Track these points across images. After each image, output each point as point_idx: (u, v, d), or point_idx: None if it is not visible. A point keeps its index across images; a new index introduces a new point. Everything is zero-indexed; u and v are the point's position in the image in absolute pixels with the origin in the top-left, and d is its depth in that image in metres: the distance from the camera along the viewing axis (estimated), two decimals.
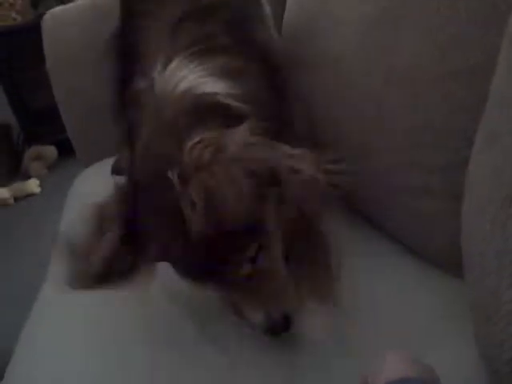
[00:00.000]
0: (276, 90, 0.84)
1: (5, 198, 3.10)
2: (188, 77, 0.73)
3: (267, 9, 1.05)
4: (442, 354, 0.65)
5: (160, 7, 0.87)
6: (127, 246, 0.71)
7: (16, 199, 3.15)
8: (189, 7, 0.84)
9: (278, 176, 0.65)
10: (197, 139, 0.64)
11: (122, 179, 0.86)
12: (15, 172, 3.49)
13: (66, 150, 3.12)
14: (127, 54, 0.93)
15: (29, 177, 3.32)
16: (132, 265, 0.72)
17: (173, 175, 0.62)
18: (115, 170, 1.56)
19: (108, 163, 1.60)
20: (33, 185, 3.20)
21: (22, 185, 3.20)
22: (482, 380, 0.58)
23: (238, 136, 0.65)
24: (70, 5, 1.68)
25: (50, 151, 3.49)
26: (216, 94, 0.72)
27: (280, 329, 0.69)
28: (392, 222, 0.84)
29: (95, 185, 1.53)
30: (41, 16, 1.67)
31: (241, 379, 0.72)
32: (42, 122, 3.43)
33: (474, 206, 0.55)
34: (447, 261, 0.75)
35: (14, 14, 3.36)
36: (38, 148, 3.49)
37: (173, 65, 0.75)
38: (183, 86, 0.73)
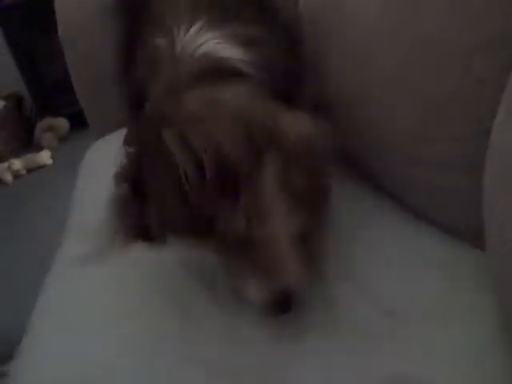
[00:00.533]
0: (292, 64, 0.84)
1: (17, 169, 3.11)
2: (208, 42, 0.75)
3: None
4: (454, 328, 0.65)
5: None
6: (135, 205, 0.70)
7: (28, 170, 3.16)
8: None
9: (274, 135, 0.63)
10: (192, 95, 0.65)
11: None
12: (27, 143, 3.50)
13: (77, 122, 3.13)
14: (136, 16, 0.94)
15: (41, 148, 3.33)
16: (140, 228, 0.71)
17: (166, 132, 0.61)
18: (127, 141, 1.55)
19: (120, 134, 1.59)
20: (45, 156, 3.21)
21: (34, 156, 3.22)
22: (495, 352, 0.58)
23: (234, 92, 0.66)
24: None
25: (62, 123, 3.49)
26: (231, 58, 0.74)
27: (280, 309, 0.66)
28: (411, 194, 0.83)
29: (106, 156, 1.53)
30: None
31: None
32: (55, 94, 3.44)
33: (495, 177, 0.54)
34: (468, 232, 0.74)
35: None
36: (50, 120, 3.50)
37: (194, 29, 0.77)
38: (203, 49, 0.75)
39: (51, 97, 3.49)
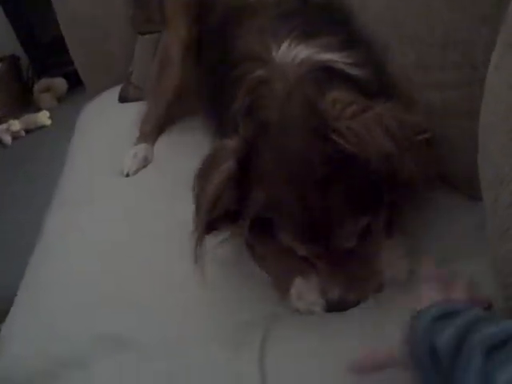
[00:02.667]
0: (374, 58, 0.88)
1: (16, 130, 3.08)
2: (303, 51, 0.79)
3: None
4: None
5: (251, 17, 0.97)
6: (236, 184, 0.70)
7: (27, 131, 3.13)
8: (277, 13, 0.94)
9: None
10: (337, 95, 0.68)
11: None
12: (26, 104, 3.47)
13: (75, 81, 3.07)
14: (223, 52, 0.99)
15: (39, 109, 3.30)
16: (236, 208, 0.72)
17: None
18: (122, 98, 1.54)
19: (114, 92, 1.58)
20: (43, 117, 3.17)
21: (33, 117, 3.18)
22: None
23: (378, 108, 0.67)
24: None
25: (60, 83, 3.44)
26: (331, 60, 0.79)
27: (340, 310, 0.70)
28: None
29: (102, 114, 1.54)
30: None
31: None
32: (51, 54, 3.37)
33: (490, 120, 0.52)
34: (468, 183, 0.73)
35: None
36: (48, 80, 3.45)
37: (284, 46, 0.81)
38: (301, 56, 0.79)
39: (48, 57, 3.43)
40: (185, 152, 1.12)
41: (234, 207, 0.71)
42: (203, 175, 0.74)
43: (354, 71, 0.78)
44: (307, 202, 0.65)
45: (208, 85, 1.07)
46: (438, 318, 0.48)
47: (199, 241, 0.71)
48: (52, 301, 0.88)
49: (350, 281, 0.69)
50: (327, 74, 0.76)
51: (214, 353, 0.70)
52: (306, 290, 0.72)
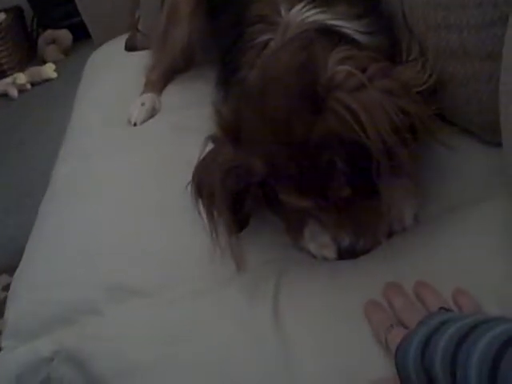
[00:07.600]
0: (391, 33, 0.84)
1: (22, 83, 3.06)
2: (313, 15, 0.77)
3: None
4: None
5: None
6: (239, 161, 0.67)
7: (33, 84, 3.11)
8: None
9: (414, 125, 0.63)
10: (341, 56, 0.64)
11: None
12: (31, 57, 3.44)
13: (80, 34, 3.05)
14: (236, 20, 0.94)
15: (44, 62, 3.27)
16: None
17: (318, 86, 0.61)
18: (129, 47, 1.52)
19: (121, 40, 1.56)
20: (49, 70, 3.15)
21: (38, 70, 3.15)
22: None
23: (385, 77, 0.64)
24: None
25: (65, 35, 3.40)
26: (341, 26, 0.76)
27: (351, 257, 0.70)
28: None
29: (108, 63, 1.52)
30: None
31: None
32: (56, 5, 3.33)
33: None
34: (484, 127, 0.72)
35: None
36: (53, 32, 3.40)
37: (294, 10, 0.79)
38: (309, 20, 0.76)
39: (52, 8, 3.38)
40: (192, 100, 1.12)
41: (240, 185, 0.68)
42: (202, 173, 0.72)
43: (364, 39, 0.75)
44: (296, 162, 0.63)
45: (219, 47, 1.04)
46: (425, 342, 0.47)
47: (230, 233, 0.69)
48: (62, 250, 0.89)
49: (357, 227, 0.69)
50: (332, 36, 0.72)
51: (227, 297, 0.71)
52: (318, 232, 0.71)
